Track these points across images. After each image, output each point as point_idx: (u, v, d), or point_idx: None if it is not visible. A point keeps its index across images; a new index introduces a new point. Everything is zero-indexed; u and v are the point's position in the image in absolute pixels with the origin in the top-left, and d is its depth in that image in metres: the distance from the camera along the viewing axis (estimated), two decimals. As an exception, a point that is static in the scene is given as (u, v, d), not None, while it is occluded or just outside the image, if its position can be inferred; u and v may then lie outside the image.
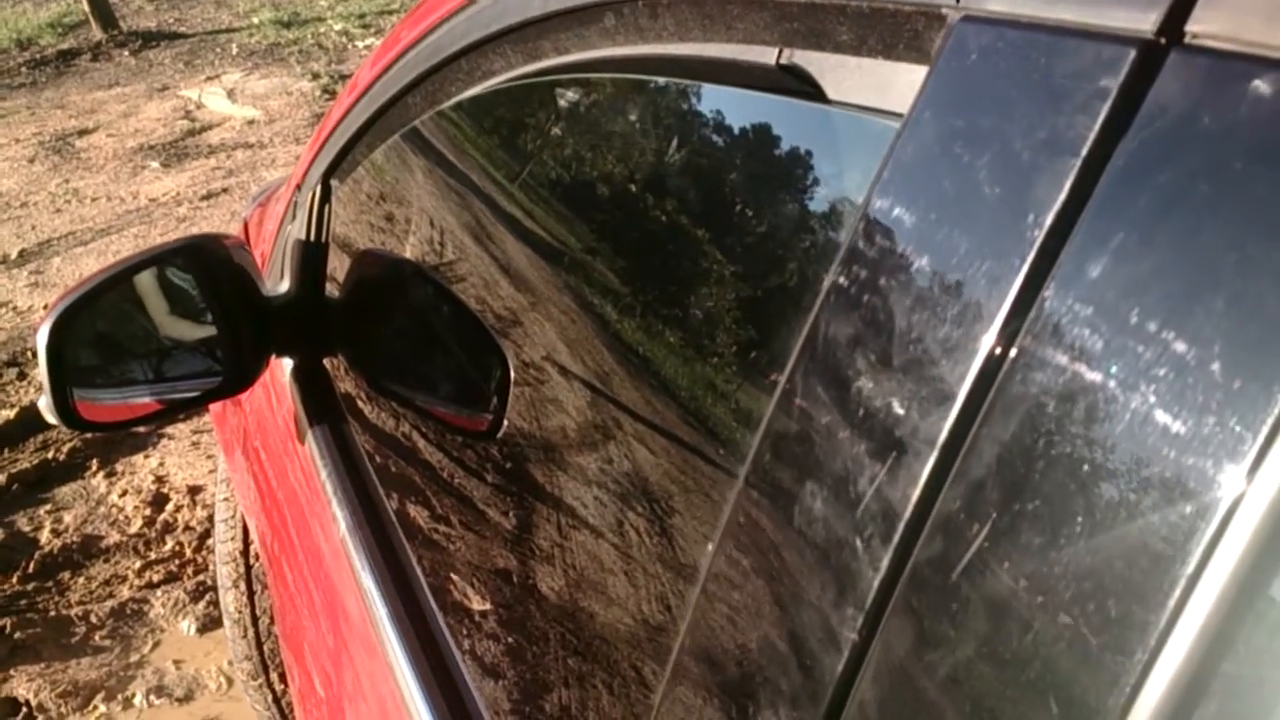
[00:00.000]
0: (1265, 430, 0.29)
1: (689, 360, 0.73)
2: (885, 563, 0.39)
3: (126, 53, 7.24)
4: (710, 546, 0.50)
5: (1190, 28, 0.33)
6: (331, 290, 1.35)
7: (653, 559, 0.70)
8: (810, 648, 0.42)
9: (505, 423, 0.93)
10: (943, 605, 0.37)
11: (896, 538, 0.39)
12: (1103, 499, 0.32)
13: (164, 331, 1.38)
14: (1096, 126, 0.34)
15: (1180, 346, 0.31)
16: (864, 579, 0.40)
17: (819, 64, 0.53)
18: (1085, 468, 0.33)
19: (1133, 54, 0.34)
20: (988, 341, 0.36)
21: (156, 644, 2.45)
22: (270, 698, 2.05)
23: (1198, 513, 0.30)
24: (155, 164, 5.40)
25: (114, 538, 2.79)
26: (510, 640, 0.89)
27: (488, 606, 0.95)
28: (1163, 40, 0.34)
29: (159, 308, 1.36)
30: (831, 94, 0.52)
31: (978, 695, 0.35)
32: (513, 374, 0.93)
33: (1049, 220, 0.35)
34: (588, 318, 0.86)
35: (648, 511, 0.72)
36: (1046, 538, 0.34)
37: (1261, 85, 0.31)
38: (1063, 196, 0.35)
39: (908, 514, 0.38)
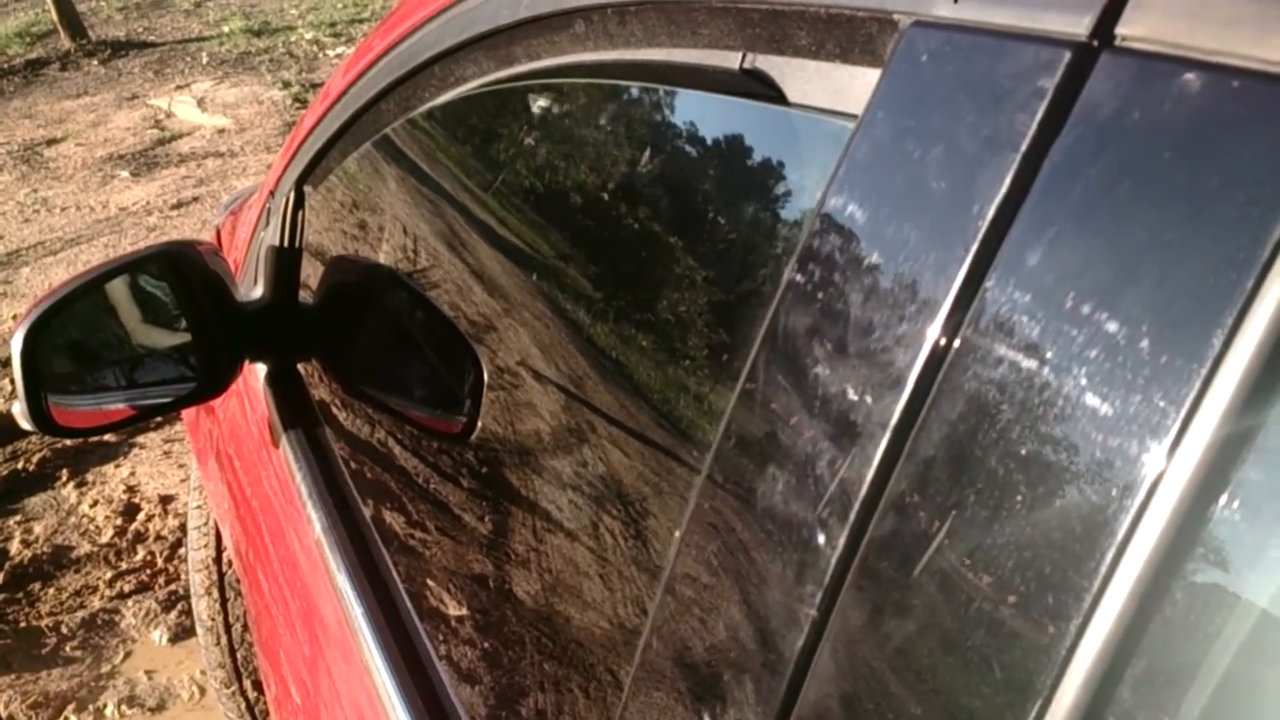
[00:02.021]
0: (1188, 402, 0.31)
1: (658, 360, 0.74)
2: (841, 542, 0.41)
3: (95, 62, 7.18)
4: (676, 535, 0.51)
5: (1120, 30, 0.35)
6: (305, 296, 1.35)
7: (628, 560, 0.71)
8: (772, 626, 0.44)
9: (479, 424, 0.94)
10: (895, 580, 0.38)
11: (852, 518, 0.40)
12: (1041, 474, 0.34)
13: (137, 338, 1.39)
14: (1034, 124, 0.36)
15: (1111, 328, 0.33)
16: (822, 558, 0.41)
17: (780, 68, 0.55)
18: (1025, 446, 0.35)
19: (1068, 55, 0.36)
20: (935, 329, 0.38)
21: (128, 654, 2.44)
22: (243, 706, 2.05)
23: (1127, 482, 0.32)
24: (125, 173, 5.36)
25: (85, 548, 2.76)
26: (487, 644, 0.90)
27: (464, 611, 0.95)
28: (1095, 43, 0.36)
29: (132, 314, 1.36)
30: (792, 97, 0.54)
31: (928, 663, 0.37)
32: (486, 376, 0.94)
33: (991, 213, 0.37)
34: (557, 320, 0.87)
35: (622, 513, 0.73)
36: (990, 513, 0.36)
37: (1183, 84, 0.33)
38: (1003, 191, 0.37)
39: (862, 495, 0.40)
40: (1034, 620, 0.34)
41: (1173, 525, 0.31)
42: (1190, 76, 0.33)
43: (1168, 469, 0.31)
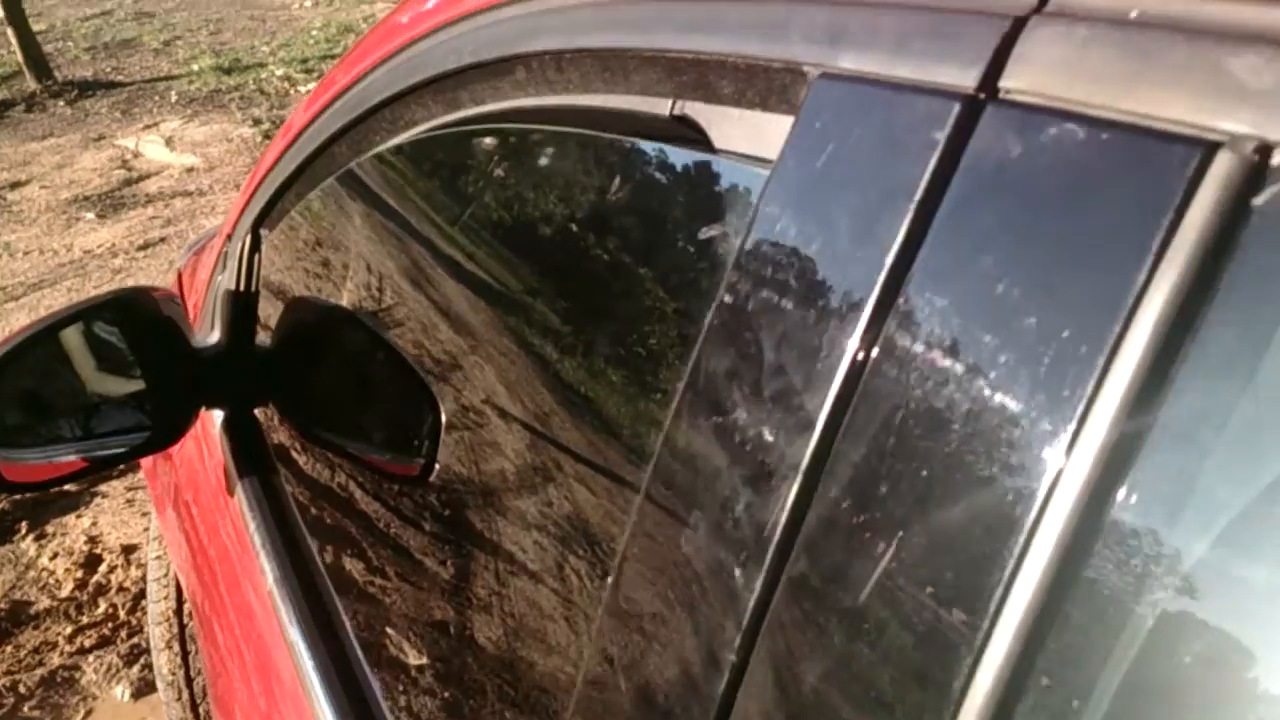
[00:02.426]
0: (1071, 427, 0.33)
1: (596, 400, 0.75)
2: (759, 583, 0.42)
3: (62, 103, 7.16)
4: (609, 580, 0.52)
5: (1004, 84, 0.37)
6: (264, 339, 1.34)
7: (594, 603, 0.71)
8: (695, 669, 0.45)
9: (437, 466, 0.94)
10: (811, 618, 0.40)
11: (768, 558, 0.42)
12: (936, 503, 0.36)
13: (92, 386, 1.37)
14: (927, 174, 0.38)
15: (1002, 366, 0.35)
16: (741, 600, 0.43)
17: (708, 115, 0.56)
18: (925, 475, 0.37)
19: (957, 108, 0.38)
20: (841, 371, 0.40)
21: (89, 712, 2.38)
22: (207, 760, 2.01)
23: (1026, 509, 0.33)
24: (90, 215, 5.33)
25: (44, 603, 2.71)
26: (446, 694, 0.89)
27: (423, 660, 0.94)
28: (982, 95, 0.38)
29: (86, 363, 1.35)
30: (719, 143, 0.56)
31: (844, 698, 0.39)
32: (444, 417, 0.93)
33: (889, 260, 0.39)
34: (501, 359, 0.87)
35: (588, 554, 0.73)
36: (894, 548, 0.37)
37: (1061, 134, 0.35)
38: (900, 239, 0.39)
39: (778, 536, 0.41)
40: (944, 641, 0.35)
41: (1070, 557, 0.33)
42: (1067, 127, 0.35)
43: (1059, 490, 0.33)
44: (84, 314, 1.28)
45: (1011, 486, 0.34)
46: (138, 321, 1.27)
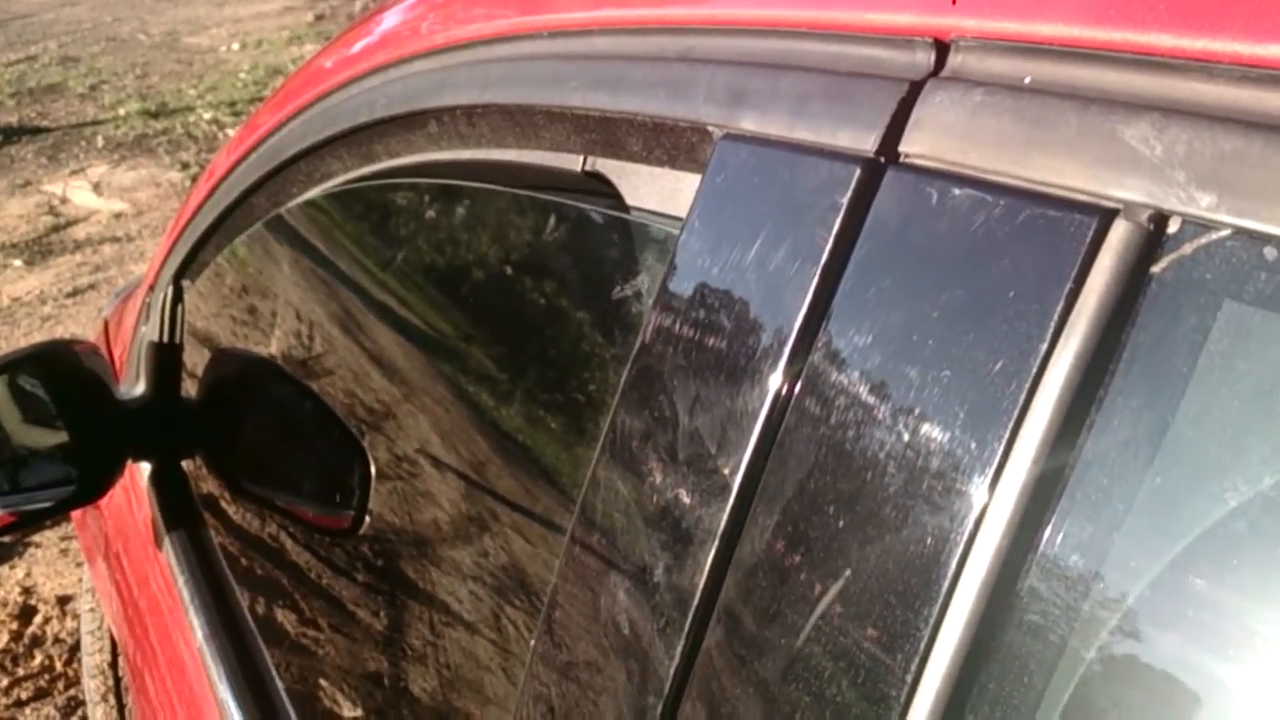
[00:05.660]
0: (980, 488, 0.33)
1: (523, 449, 0.75)
2: (679, 650, 0.41)
3: (-15, 149, 6.99)
4: (538, 628, 0.52)
5: (903, 148, 0.38)
6: (191, 390, 1.33)
7: (527, 650, 0.71)
8: (627, 715, 0.44)
9: (367, 519, 0.93)
10: (743, 661, 0.40)
11: (687, 625, 0.41)
12: (848, 568, 0.36)
13: (17, 440, 1.35)
14: (833, 235, 0.39)
15: (910, 426, 0.35)
16: (670, 643, 0.42)
17: (618, 171, 0.56)
18: (835, 541, 0.37)
19: (858, 171, 0.38)
20: (755, 431, 0.40)
21: (24, 767, 2.32)
22: (145, 818, 1.95)
23: (936, 581, 0.33)
24: (18, 262, 5.21)
25: (-23, 657, 2.63)
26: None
27: (357, 712, 0.93)
28: (882, 159, 0.38)
29: (12, 415, 1.33)
30: (630, 199, 0.56)
31: None
32: (373, 469, 0.93)
33: (800, 318, 0.39)
34: (431, 409, 0.87)
35: (522, 602, 0.73)
36: (807, 618, 0.37)
37: (961, 199, 0.35)
38: (809, 297, 0.39)
39: (695, 601, 0.41)
40: (876, 688, 0.35)
41: (989, 618, 0.33)
42: (969, 193, 0.35)
43: (969, 562, 0.33)
44: (6, 367, 1.27)
45: (925, 560, 0.34)
46: (60, 375, 1.26)
